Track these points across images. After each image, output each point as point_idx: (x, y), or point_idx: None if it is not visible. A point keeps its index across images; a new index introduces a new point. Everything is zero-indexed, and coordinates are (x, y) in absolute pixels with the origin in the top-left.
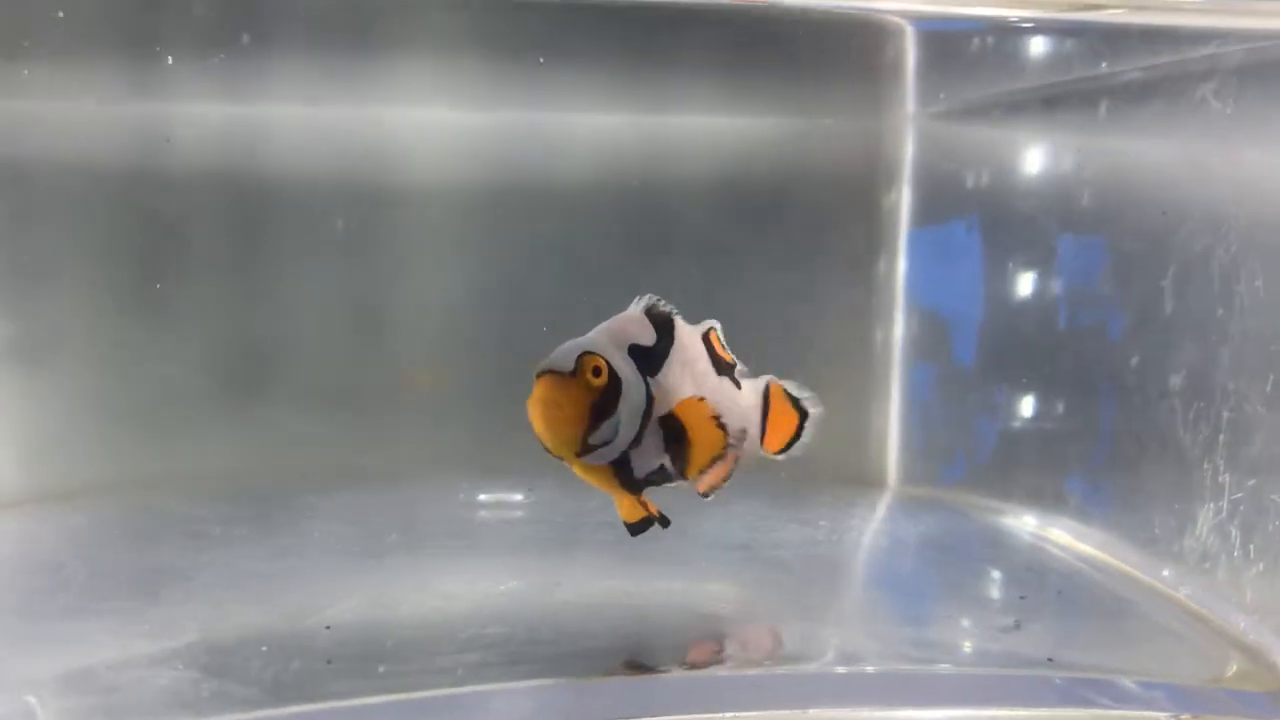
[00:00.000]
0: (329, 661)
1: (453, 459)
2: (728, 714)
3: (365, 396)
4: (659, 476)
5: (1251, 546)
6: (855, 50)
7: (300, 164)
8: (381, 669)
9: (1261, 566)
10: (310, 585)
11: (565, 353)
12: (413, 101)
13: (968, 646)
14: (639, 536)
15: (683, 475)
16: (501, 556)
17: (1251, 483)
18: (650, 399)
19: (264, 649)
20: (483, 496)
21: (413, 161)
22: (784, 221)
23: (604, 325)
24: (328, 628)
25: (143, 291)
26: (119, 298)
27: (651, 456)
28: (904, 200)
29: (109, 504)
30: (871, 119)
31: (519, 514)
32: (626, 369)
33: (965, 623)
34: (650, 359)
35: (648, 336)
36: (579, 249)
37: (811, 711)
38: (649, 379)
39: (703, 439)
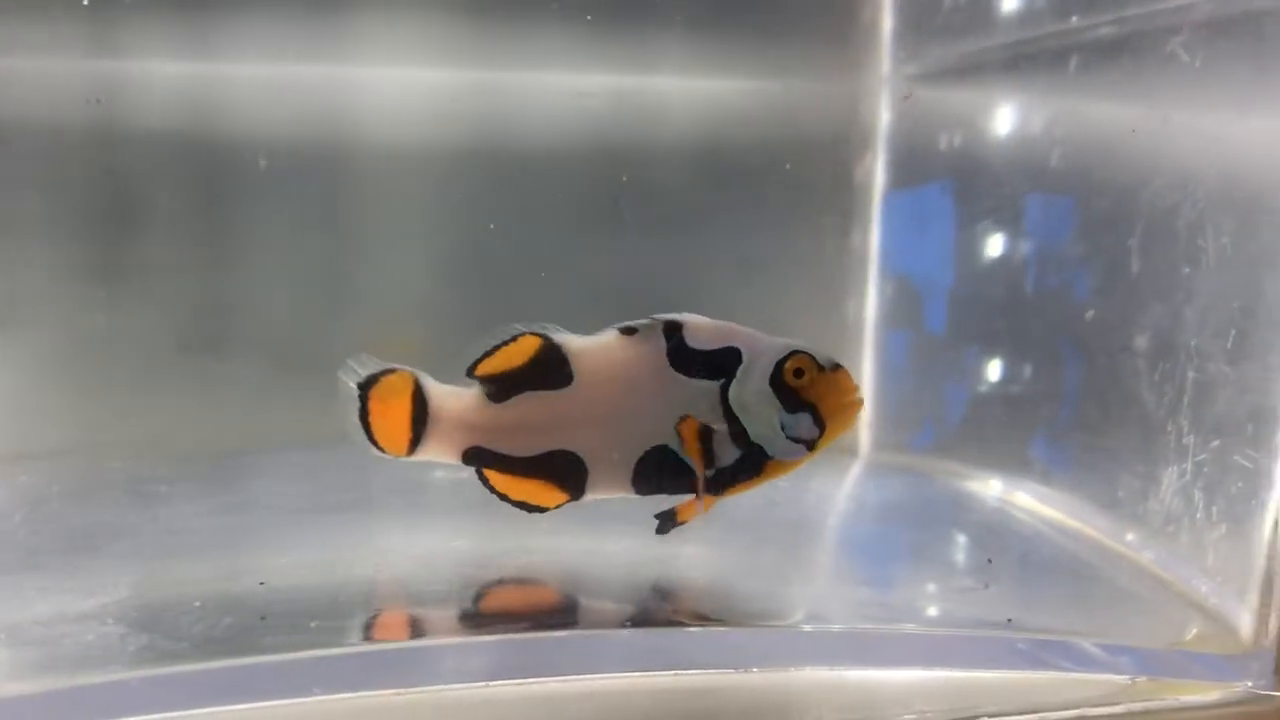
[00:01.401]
0: (263, 617)
1: None
2: (676, 671)
3: (328, 359)
4: None
5: (1214, 509)
6: (831, 9)
7: (266, 125)
8: (314, 624)
9: (1224, 529)
10: (251, 542)
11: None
12: (380, 60)
13: (933, 609)
14: None
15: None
16: (450, 517)
17: (1215, 444)
18: None
19: (197, 604)
20: None
21: (381, 122)
22: (758, 184)
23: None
24: (262, 583)
25: (101, 256)
26: (75, 261)
27: None
28: (879, 163)
29: (58, 464)
30: (847, 81)
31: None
32: None
33: (930, 586)
34: None
35: None
36: (548, 212)
37: (791, 670)
38: None
39: None
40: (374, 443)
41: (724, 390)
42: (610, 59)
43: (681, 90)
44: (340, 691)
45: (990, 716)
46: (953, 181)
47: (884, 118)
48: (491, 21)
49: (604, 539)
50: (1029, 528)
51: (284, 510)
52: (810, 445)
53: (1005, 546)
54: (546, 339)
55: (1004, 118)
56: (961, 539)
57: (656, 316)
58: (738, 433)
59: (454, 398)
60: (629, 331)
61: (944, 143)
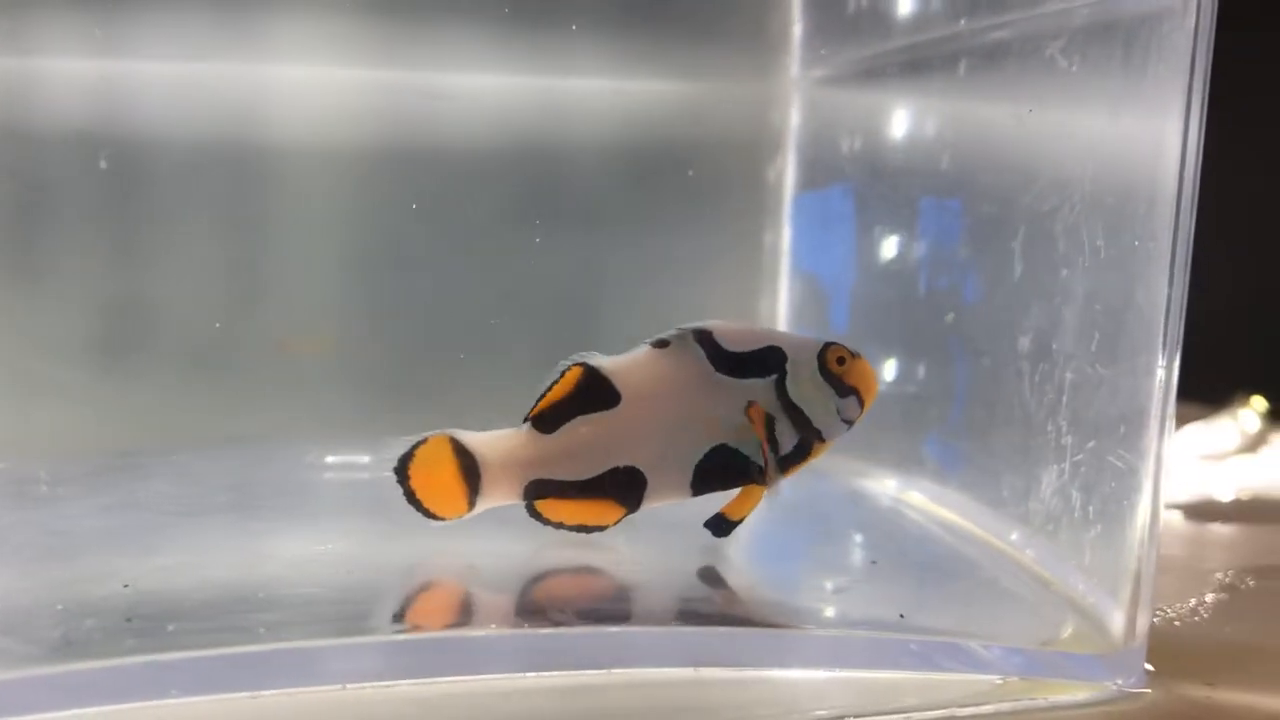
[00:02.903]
0: (129, 620)
1: (312, 422)
2: (570, 672)
3: (231, 360)
4: None
5: (1090, 508)
6: (743, 15)
7: (178, 123)
8: (171, 627)
9: (1099, 529)
10: (124, 544)
11: None
12: (295, 59)
13: (828, 610)
14: None
15: None
16: (334, 518)
17: (1091, 444)
18: None
19: (59, 607)
20: (330, 459)
21: (297, 120)
22: (672, 184)
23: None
24: (125, 586)
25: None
26: None
27: None
28: (789, 165)
29: None
30: (758, 84)
31: (364, 476)
32: None
33: (825, 585)
34: None
35: None
36: (464, 212)
37: (688, 670)
38: None
39: None
40: (430, 515)
41: (778, 384)
42: (526, 60)
43: (597, 91)
44: (195, 694)
45: (856, 717)
46: (854, 183)
47: (794, 120)
48: (406, 20)
49: (496, 540)
50: (919, 527)
51: (165, 512)
52: (851, 423)
53: (895, 546)
54: (586, 365)
55: (901, 121)
56: (856, 538)
57: (682, 326)
58: (797, 421)
59: (498, 441)
60: (661, 345)
61: (847, 146)
